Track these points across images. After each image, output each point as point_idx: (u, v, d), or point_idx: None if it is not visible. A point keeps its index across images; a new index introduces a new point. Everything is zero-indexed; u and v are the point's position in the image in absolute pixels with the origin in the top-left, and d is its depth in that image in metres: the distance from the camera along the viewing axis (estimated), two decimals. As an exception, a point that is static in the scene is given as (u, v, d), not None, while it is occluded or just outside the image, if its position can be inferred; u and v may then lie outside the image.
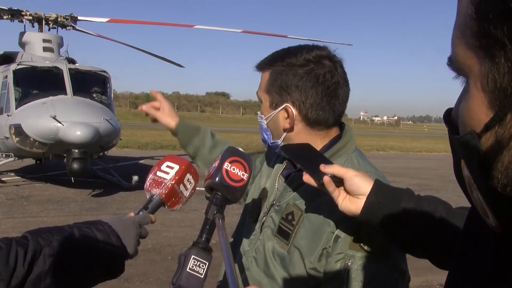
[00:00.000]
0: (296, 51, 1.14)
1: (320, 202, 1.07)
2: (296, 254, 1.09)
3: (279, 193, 1.21)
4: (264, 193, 1.26)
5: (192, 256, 0.89)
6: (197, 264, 0.88)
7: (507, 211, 0.42)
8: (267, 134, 1.22)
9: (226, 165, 1.00)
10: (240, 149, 1.08)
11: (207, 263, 0.89)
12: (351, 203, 0.96)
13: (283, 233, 1.13)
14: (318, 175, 1.00)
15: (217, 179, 0.98)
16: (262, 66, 1.19)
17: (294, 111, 1.14)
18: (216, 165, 1.01)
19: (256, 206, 1.26)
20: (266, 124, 1.20)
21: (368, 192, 0.94)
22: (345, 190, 0.98)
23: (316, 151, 1.11)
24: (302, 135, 1.16)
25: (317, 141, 1.17)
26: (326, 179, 0.98)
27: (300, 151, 1.10)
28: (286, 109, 1.14)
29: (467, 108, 0.43)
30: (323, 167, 0.99)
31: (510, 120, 0.39)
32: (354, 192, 0.96)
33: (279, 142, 1.19)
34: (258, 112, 1.23)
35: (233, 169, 1.00)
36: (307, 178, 1.01)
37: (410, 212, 0.92)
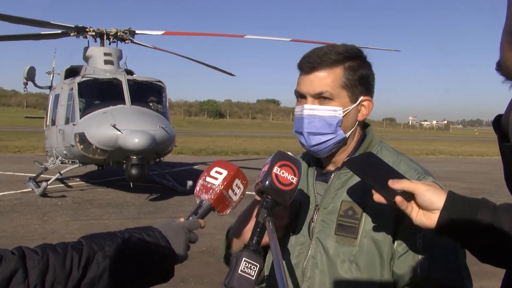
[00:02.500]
0: (350, 49, 1.18)
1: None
2: (368, 243, 1.10)
3: (320, 197, 1.21)
4: (297, 203, 1.21)
5: (244, 259, 0.90)
6: (249, 266, 0.90)
7: None
8: (337, 128, 1.17)
9: (276, 169, 1.01)
10: (289, 153, 1.09)
11: (258, 265, 0.91)
12: (425, 218, 0.94)
13: (347, 229, 1.13)
14: (388, 193, 0.98)
15: (267, 182, 1.00)
16: (333, 63, 1.15)
17: (370, 104, 1.21)
18: (266, 169, 1.03)
19: (293, 217, 1.22)
20: (342, 117, 1.17)
21: (442, 206, 0.92)
22: (417, 204, 0.96)
23: (380, 161, 1.08)
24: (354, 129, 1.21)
25: (356, 134, 1.23)
26: (398, 199, 0.96)
27: (365, 163, 1.06)
28: (363, 102, 1.19)
29: None
30: (392, 183, 0.97)
31: None
32: (427, 208, 0.94)
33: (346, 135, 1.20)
34: (324, 107, 1.16)
35: (283, 173, 1.02)
36: (377, 197, 1.00)
37: (487, 224, 0.88)
